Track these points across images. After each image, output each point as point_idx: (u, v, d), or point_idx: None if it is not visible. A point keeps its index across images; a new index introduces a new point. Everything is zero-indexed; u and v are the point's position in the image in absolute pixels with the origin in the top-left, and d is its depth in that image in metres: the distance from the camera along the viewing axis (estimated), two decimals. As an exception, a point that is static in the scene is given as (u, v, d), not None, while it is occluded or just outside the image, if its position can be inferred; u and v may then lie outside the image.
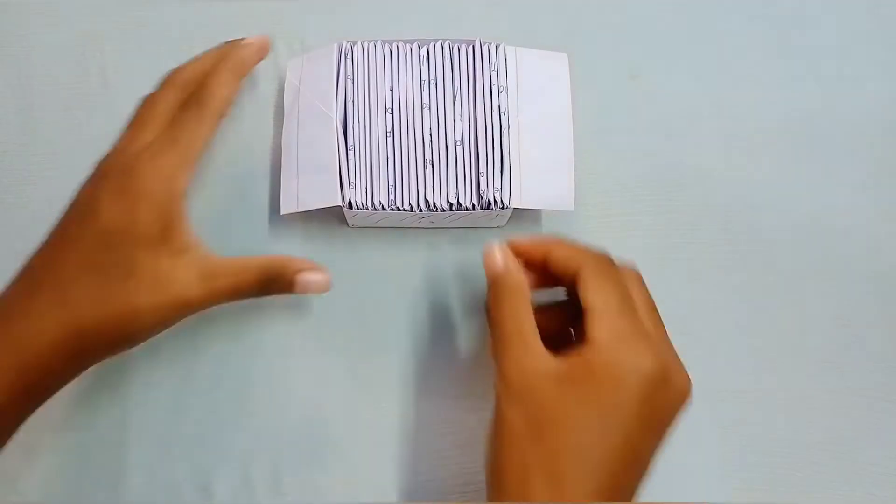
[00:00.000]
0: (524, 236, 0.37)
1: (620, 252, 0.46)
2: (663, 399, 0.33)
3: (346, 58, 0.42)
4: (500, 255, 0.36)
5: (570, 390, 0.32)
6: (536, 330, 0.34)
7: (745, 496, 0.43)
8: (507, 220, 0.45)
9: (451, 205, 0.41)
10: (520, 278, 0.36)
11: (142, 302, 0.35)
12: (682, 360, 0.45)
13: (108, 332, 0.35)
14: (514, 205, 0.41)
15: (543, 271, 0.37)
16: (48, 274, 0.35)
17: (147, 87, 0.47)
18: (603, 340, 0.32)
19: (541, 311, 0.36)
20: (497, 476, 0.32)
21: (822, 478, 0.43)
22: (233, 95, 0.39)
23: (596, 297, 0.33)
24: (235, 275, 0.37)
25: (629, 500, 0.32)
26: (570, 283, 0.35)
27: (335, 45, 0.42)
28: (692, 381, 0.44)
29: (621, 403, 0.32)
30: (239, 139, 0.47)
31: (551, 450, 0.31)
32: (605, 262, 0.36)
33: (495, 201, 0.41)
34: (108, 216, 0.35)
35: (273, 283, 0.38)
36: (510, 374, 0.33)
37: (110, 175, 0.37)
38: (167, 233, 0.36)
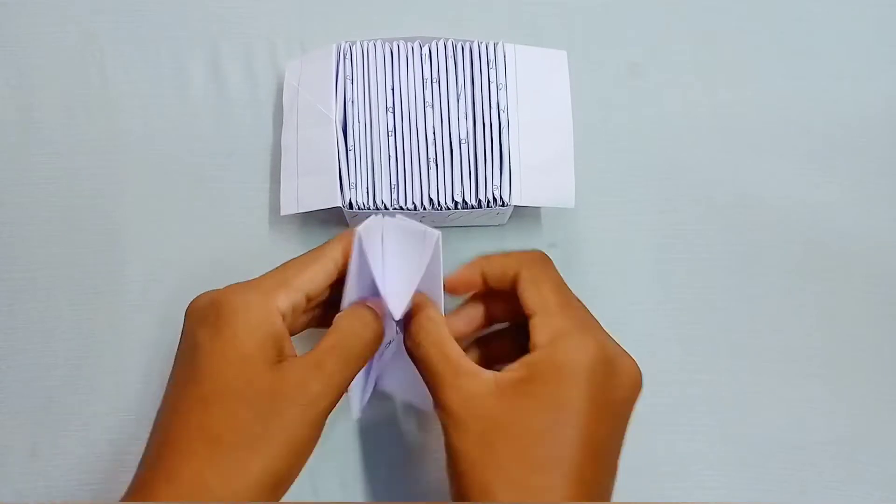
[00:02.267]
0: (457, 272, 0.36)
1: (620, 250, 0.46)
2: (612, 386, 0.32)
3: (344, 58, 0.42)
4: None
5: (515, 399, 0.31)
6: (462, 352, 0.33)
7: (745, 496, 0.43)
8: (507, 218, 0.45)
9: (455, 203, 0.41)
10: (428, 307, 0.34)
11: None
12: (681, 360, 0.45)
13: None
14: (515, 202, 0.41)
15: (489, 297, 0.37)
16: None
17: (147, 87, 0.47)
18: (543, 342, 0.32)
19: (488, 337, 0.36)
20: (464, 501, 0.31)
21: (822, 478, 0.43)
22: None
23: (534, 299, 0.33)
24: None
25: (604, 497, 0.31)
26: (513, 292, 0.35)
27: (333, 46, 0.42)
28: (694, 382, 0.45)
29: (570, 397, 0.31)
30: (239, 140, 0.47)
31: (508, 462, 0.30)
32: (539, 259, 0.35)
33: (495, 199, 0.41)
34: None
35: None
36: (450, 403, 0.31)
37: None
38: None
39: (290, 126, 0.43)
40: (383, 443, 0.43)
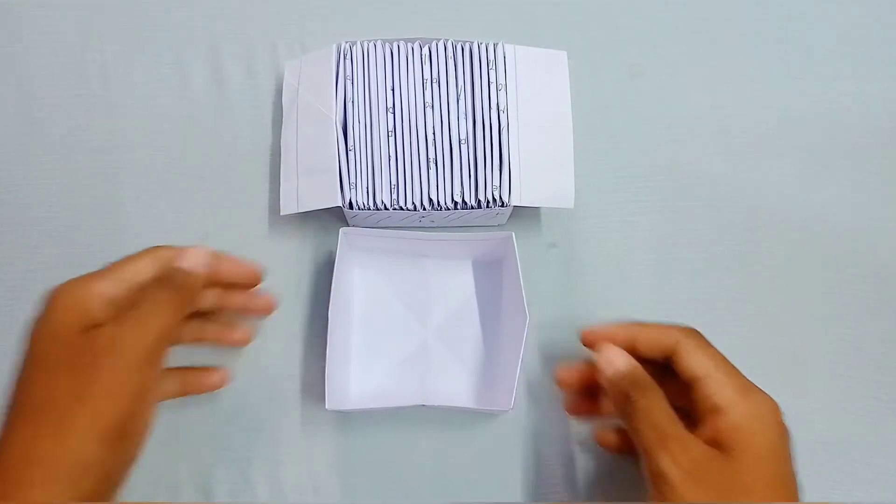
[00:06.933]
0: (599, 326, 0.39)
1: (619, 250, 0.46)
2: (787, 433, 0.35)
3: (345, 58, 0.42)
4: (622, 356, 0.37)
5: (731, 456, 0.33)
6: (672, 417, 0.35)
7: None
8: (507, 218, 0.45)
9: (455, 203, 0.41)
10: (646, 373, 0.37)
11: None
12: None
13: None
14: (515, 202, 0.41)
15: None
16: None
17: (146, 87, 0.47)
18: (730, 401, 0.35)
19: None
20: None
21: (822, 478, 0.43)
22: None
23: (706, 363, 0.36)
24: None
25: None
26: (665, 359, 0.37)
27: (334, 46, 0.42)
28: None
29: (773, 445, 0.34)
30: (239, 140, 0.47)
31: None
32: (697, 332, 0.38)
33: (495, 199, 0.41)
34: None
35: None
36: (683, 464, 0.34)
37: None
38: None
39: (290, 126, 0.43)
40: (385, 442, 0.43)
